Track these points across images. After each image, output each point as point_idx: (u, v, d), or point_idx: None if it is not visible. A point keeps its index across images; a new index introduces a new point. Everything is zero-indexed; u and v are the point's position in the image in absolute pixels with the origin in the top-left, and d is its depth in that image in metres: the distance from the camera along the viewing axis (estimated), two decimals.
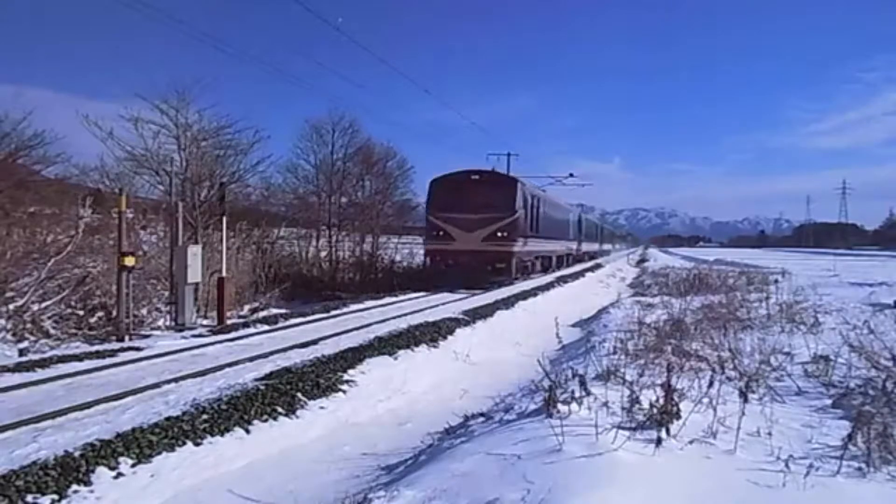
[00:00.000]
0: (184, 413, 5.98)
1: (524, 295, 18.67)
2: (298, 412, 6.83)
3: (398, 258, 30.70)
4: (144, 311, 14.23)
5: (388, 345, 9.77)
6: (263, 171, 21.18)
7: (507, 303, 16.53)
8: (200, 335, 11.27)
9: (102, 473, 4.79)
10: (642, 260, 60.65)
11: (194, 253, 13.69)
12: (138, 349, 9.80)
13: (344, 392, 7.66)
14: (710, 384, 5.33)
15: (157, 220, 20.30)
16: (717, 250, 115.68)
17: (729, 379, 6.50)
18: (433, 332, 11.19)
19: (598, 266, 41.07)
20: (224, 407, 6.28)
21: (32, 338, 11.75)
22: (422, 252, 24.56)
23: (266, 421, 6.41)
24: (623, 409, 5.34)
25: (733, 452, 4.53)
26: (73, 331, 12.60)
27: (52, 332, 12.33)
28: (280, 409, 6.68)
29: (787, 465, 4.12)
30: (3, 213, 14.72)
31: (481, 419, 6.32)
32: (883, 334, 8.69)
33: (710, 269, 26.20)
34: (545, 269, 29.20)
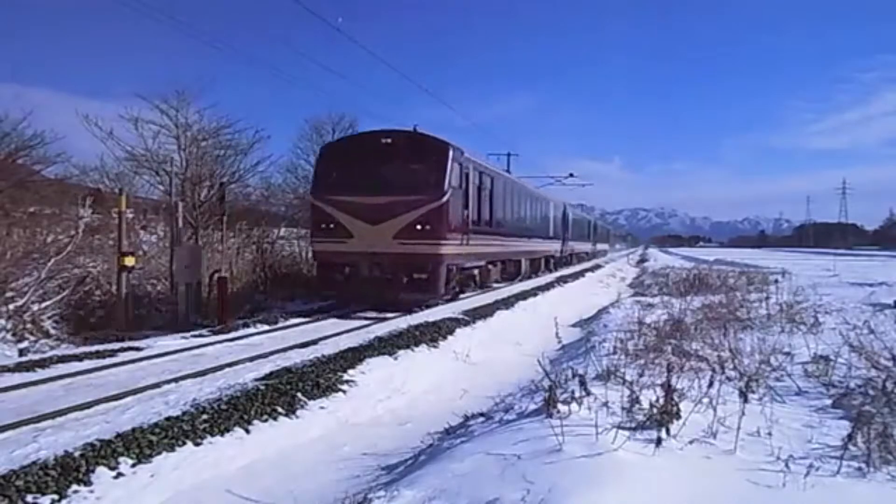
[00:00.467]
0: (184, 413, 5.98)
1: (524, 295, 18.67)
2: (298, 412, 6.83)
3: None
4: (144, 312, 14.24)
5: (388, 345, 9.77)
6: (263, 171, 21.13)
7: (507, 303, 16.54)
8: (200, 335, 11.27)
9: (102, 473, 4.79)
10: (642, 260, 60.64)
11: (194, 253, 13.70)
12: (138, 349, 9.81)
13: (344, 392, 7.66)
14: (710, 384, 5.33)
15: (157, 220, 20.29)
16: (717, 250, 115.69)
17: (729, 379, 6.49)
18: (433, 332, 11.19)
19: (584, 272, 33.67)
20: (224, 407, 6.28)
21: (32, 338, 11.75)
22: None
23: (266, 421, 6.41)
24: (623, 409, 5.34)
25: (733, 452, 4.53)
26: (73, 331, 12.60)
27: (52, 332, 12.33)
28: (280, 409, 6.68)
29: (787, 465, 4.12)
30: (3, 213, 14.71)
31: (481, 419, 6.32)
32: (883, 334, 8.69)
33: (710, 269, 26.19)
34: (511, 278, 22.74)
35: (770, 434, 4.83)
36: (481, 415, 6.53)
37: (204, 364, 8.54)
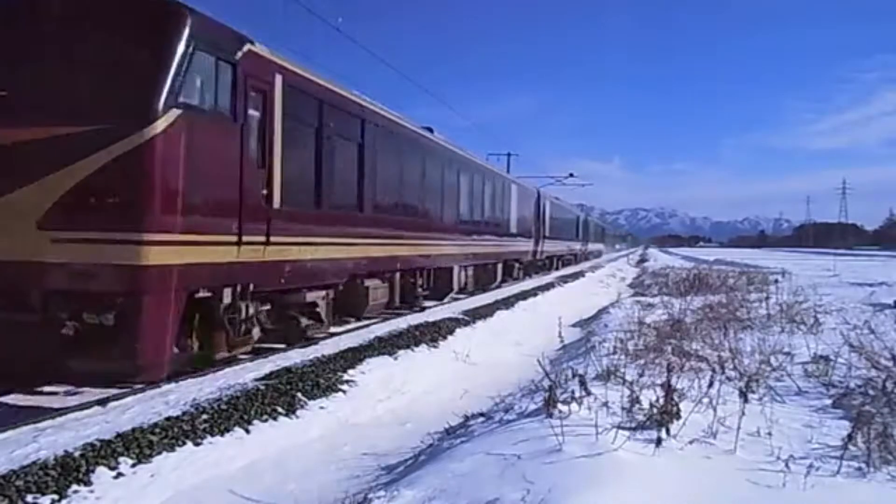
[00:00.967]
0: (184, 413, 5.97)
1: (524, 295, 18.67)
2: (298, 412, 6.83)
3: None
4: None
5: (388, 345, 9.77)
6: None
7: (507, 303, 16.53)
8: None
9: (102, 473, 4.78)
10: (642, 260, 60.65)
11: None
12: None
13: (344, 392, 7.65)
14: (710, 384, 5.33)
15: None
16: (716, 250, 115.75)
17: (729, 379, 6.49)
18: (433, 332, 11.19)
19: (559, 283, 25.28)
20: (224, 407, 6.27)
21: None
22: None
23: (266, 421, 6.40)
24: (623, 409, 5.34)
25: (733, 452, 4.53)
26: None
27: None
28: (280, 409, 6.67)
29: (787, 465, 4.12)
30: None
31: (481, 419, 6.32)
32: (883, 334, 8.70)
33: (710, 269, 26.21)
34: (439, 297, 15.85)
35: (770, 434, 4.83)
36: (481, 415, 6.53)
37: None
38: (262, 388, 6.96)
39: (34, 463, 4.65)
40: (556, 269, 34.54)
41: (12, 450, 4.87)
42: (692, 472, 4.25)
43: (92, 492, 4.58)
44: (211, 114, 7.26)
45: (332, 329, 10.72)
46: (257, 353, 9.23)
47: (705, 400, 5.16)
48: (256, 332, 8.50)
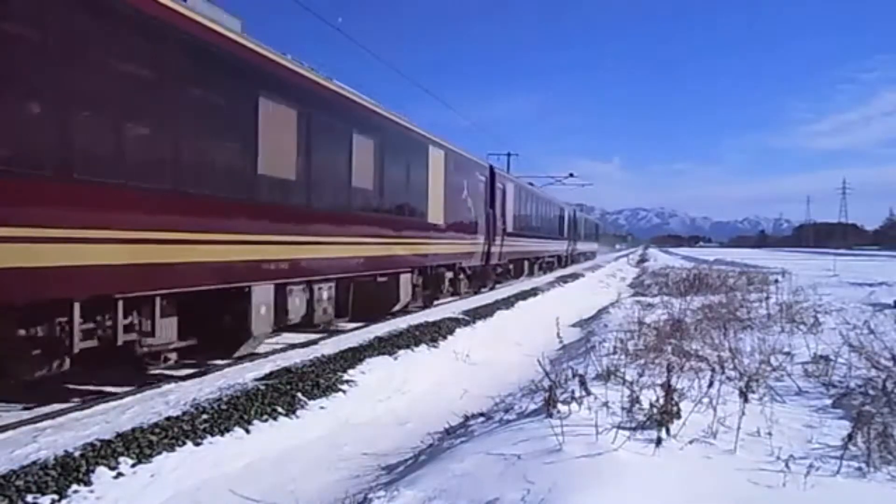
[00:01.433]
0: (184, 413, 5.97)
1: (524, 295, 18.67)
2: (298, 412, 6.83)
3: None
4: None
5: (388, 345, 9.77)
6: None
7: (508, 303, 16.54)
8: None
9: (102, 473, 4.78)
10: (642, 260, 60.70)
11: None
12: None
13: (344, 392, 7.65)
14: (710, 384, 5.33)
15: None
16: (716, 250, 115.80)
17: (729, 379, 6.49)
18: (433, 332, 11.19)
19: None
20: (224, 407, 6.28)
21: None
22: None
23: (266, 421, 6.40)
24: (623, 409, 5.34)
25: (733, 452, 4.53)
26: None
27: None
28: (280, 409, 6.68)
29: (787, 465, 4.11)
30: None
31: (481, 419, 6.32)
32: (883, 334, 8.70)
33: (710, 269, 26.22)
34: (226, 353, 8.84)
35: (770, 434, 4.83)
36: (481, 415, 6.53)
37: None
38: (262, 388, 6.96)
39: (34, 463, 4.65)
40: (533, 275, 27.47)
41: (12, 450, 4.88)
42: (692, 472, 4.25)
43: (92, 492, 4.58)
44: None
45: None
46: (257, 354, 9.24)
47: (705, 400, 5.16)
48: None
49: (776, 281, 19.32)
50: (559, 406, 5.44)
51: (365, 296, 12.67)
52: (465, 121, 44.85)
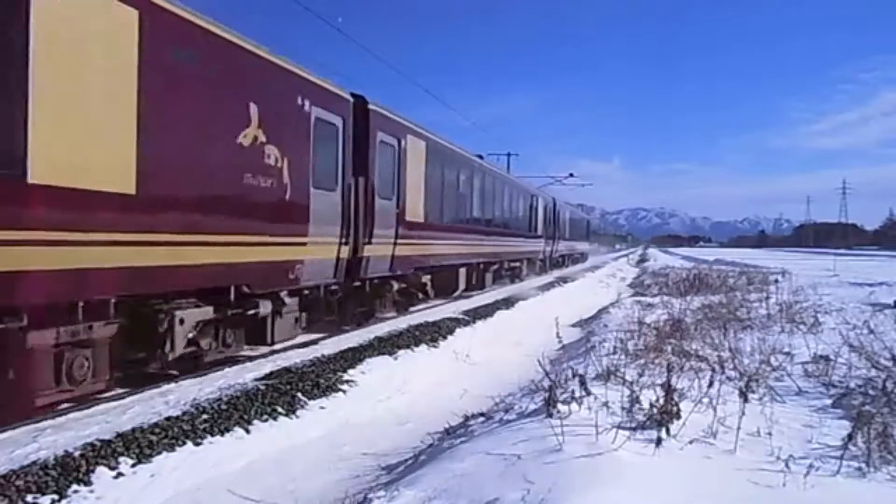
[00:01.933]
0: (184, 413, 5.97)
1: (524, 295, 18.68)
2: (298, 412, 6.83)
3: None
4: None
5: (388, 345, 9.77)
6: None
7: (508, 303, 16.55)
8: None
9: (102, 473, 4.78)
10: (642, 260, 60.69)
11: None
12: None
13: (344, 392, 7.65)
14: (710, 384, 5.33)
15: None
16: (716, 250, 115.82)
17: (729, 379, 6.50)
18: (433, 332, 11.19)
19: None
20: (224, 407, 6.28)
21: None
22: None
23: (266, 421, 6.40)
24: (623, 409, 5.34)
25: (733, 452, 4.53)
26: None
27: None
28: (280, 409, 6.67)
29: (787, 465, 4.12)
30: None
31: (481, 419, 6.32)
32: (883, 334, 8.72)
33: (710, 269, 26.23)
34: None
35: (770, 434, 4.83)
36: (481, 415, 6.53)
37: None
38: (262, 388, 6.96)
39: (34, 463, 4.65)
40: (482, 288, 19.85)
41: (12, 450, 4.88)
42: (692, 471, 4.25)
43: (92, 492, 4.58)
44: None
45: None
46: (258, 355, 9.24)
47: (705, 400, 5.17)
48: None
49: (776, 281, 19.33)
50: (559, 406, 5.44)
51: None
52: (465, 120, 45.00)
